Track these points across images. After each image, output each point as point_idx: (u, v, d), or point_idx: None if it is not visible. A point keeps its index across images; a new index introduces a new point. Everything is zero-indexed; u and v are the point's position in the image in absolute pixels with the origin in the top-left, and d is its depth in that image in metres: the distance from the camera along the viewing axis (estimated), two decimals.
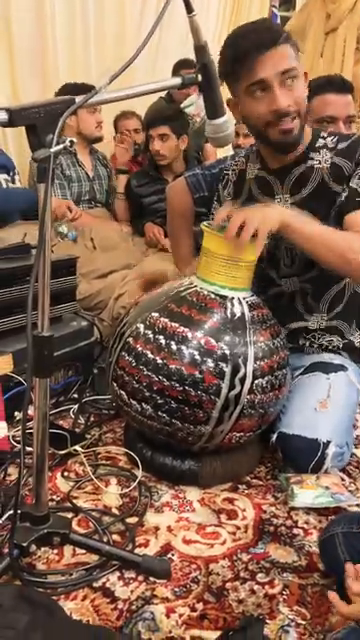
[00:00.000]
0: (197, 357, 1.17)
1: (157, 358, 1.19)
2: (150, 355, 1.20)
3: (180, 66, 3.27)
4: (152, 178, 2.65)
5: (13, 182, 2.41)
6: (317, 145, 1.38)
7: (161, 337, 1.20)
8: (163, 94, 3.43)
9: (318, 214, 1.34)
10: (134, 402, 1.24)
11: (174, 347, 1.18)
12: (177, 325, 1.20)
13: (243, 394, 1.18)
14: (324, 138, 1.39)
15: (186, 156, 2.63)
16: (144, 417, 1.24)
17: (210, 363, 1.16)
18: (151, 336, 1.21)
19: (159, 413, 1.21)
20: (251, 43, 1.23)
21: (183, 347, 1.18)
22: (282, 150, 1.36)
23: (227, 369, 1.17)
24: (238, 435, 1.24)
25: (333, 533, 0.96)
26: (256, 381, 1.19)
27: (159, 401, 1.20)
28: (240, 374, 1.18)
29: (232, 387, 1.17)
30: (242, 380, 1.18)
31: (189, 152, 2.65)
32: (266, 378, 1.21)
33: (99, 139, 2.72)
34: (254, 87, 1.26)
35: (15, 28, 2.94)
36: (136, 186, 2.68)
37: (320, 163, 1.37)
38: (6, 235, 2.05)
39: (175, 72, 3.28)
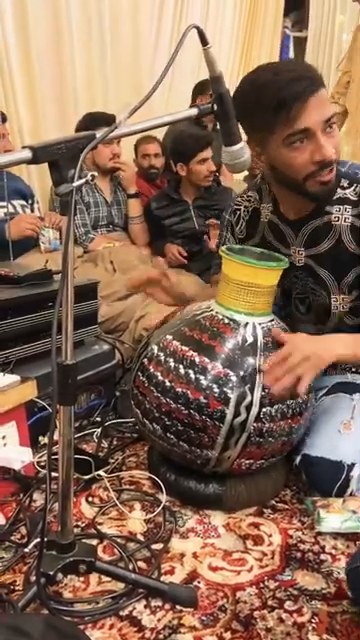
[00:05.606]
0: (203, 382, 1.17)
1: (166, 380, 1.20)
2: (160, 377, 1.22)
3: (199, 89, 3.31)
4: (172, 200, 2.69)
5: (32, 210, 2.45)
6: (335, 197, 1.29)
7: (171, 360, 1.21)
8: None
9: (335, 272, 1.32)
10: (147, 421, 1.26)
11: (182, 371, 1.19)
12: (187, 349, 1.20)
13: (249, 422, 1.16)
14: (344, 188, 1.29)
15: None
16: (156, 437, 1.26)
17: (215, 389, 1.16)
18: (162, 358, 1.23)
19: (167, 434, 1.22)
20: (291, 90, 1.13)
21: (190, 371, 1.18)
22: (316, 200, 1.28)
23: (232, 395, 1.16)
24: (248, 462, 1.22)
25: (359, 564, 0.94)
26: (264, 409, 1.17)
27: (167, 422, 1.21)
28: (246, 401, 1.16)
29: (237, 414, 1.16)
30: (248, 408, 1.16)
31: None
32: (276, 407, 1.19)
33: (114, 170, 2.75)
34: (295, 137, 1.16)
35: (34, 56, 3.04)
36: (156, 208, 2.71)
37: (339, 220, 1.29)
38: (27, 262, 2.08)
39: (194, 95, 3.33)
